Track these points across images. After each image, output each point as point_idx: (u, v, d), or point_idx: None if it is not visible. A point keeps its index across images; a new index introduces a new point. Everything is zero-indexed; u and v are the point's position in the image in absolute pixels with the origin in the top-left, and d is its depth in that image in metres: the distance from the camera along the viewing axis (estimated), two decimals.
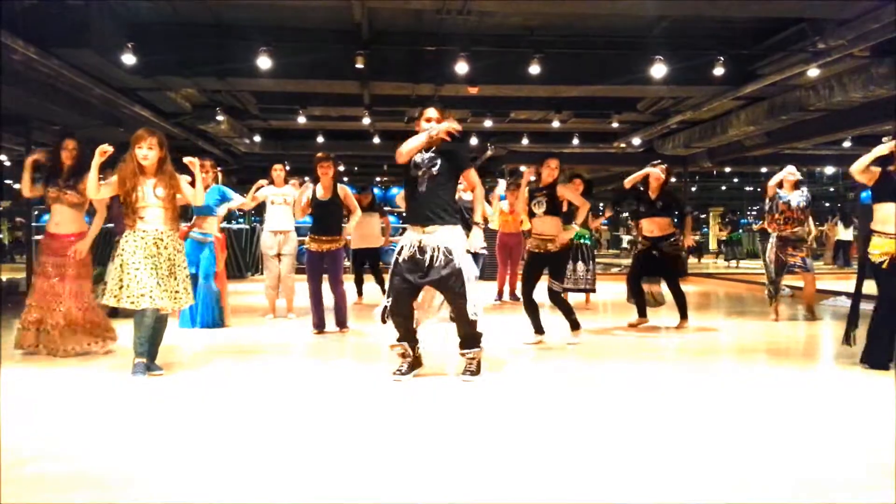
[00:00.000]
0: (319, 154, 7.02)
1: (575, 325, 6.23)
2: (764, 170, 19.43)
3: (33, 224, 12.46)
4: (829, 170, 19.47)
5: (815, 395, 4.42)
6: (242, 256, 15.42)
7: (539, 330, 6.21)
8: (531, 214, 6.22)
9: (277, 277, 7.89)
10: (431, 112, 4.80)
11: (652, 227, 7.10)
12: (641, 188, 7.20)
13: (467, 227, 7.32)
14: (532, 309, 6.18)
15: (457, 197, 5.35)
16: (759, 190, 25.39)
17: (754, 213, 29.74)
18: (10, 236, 23.14)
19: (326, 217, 6.76)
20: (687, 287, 13.46)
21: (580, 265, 8.33)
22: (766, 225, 7.98)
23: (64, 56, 7.87)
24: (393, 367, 4.85)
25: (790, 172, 7.68)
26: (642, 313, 7.33)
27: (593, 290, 8.60)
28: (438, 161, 4.69)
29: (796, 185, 7.70)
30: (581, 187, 7.74)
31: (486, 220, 7.39)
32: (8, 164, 16.05)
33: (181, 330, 6.80)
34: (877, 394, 4.36)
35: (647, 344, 6.53)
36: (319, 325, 6.90)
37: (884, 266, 4.97)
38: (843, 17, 7.41)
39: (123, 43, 7.94)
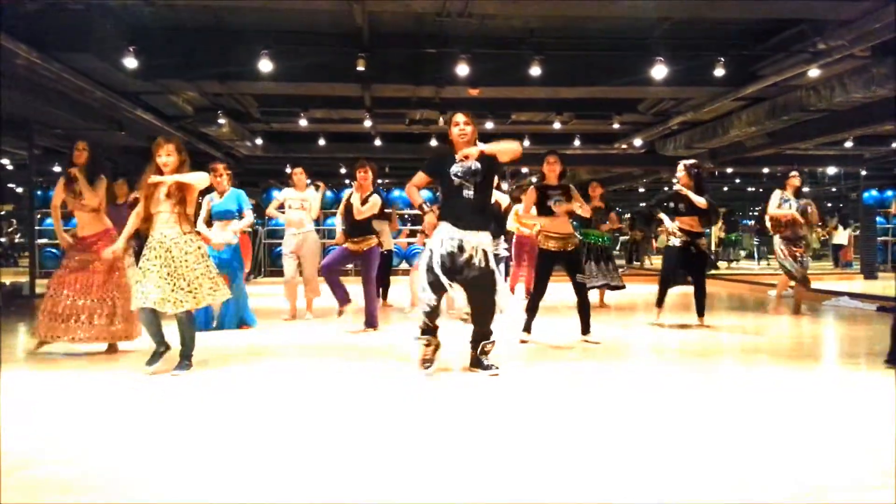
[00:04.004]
0: (361, 160, 7.18)
1: (587, 329, 6.29)
2: (766, 170, 19.39)
3: (36, 227, 12.48)
4: (831, 170, 19.41)
5: (815, 395, 4.41)
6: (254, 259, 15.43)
7: (529, 329, 6.31)
8: (547, 213, 6.21)
9: (294, 278, 7.94)
10: (460, 117, 4.94)
11: (691, 223, 7.20)
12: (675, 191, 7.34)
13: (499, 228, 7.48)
14: (535, 310, 6.27)
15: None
16: (761, 190, 25.36)
17: (756, 213, 29.72)
18: (10, 239, 23.18)
19: (361, 219, 6.97)
20: (688, 288, 13.49)
21: (592, 265, 8.62)
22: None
23: (66, 60, 7.90)
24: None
25: (794, 175, 8.36)
26: (661, 304, 7.48)
27: (622, 286, 9.01)
28: (479, 166, 4.84)
29: (799, 190, 8.36)
30: (598, 190, 8.37)
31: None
32: (10, 167, 16.07)
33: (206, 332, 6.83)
34: (877, 394, 4.36)
35: (648, 344, 6.54)
36: (344, 301, 7.17)
37: None
38: (844, 17, 7.41)
39: (125, 46, 7.96)
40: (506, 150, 4.85)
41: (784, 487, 2.76)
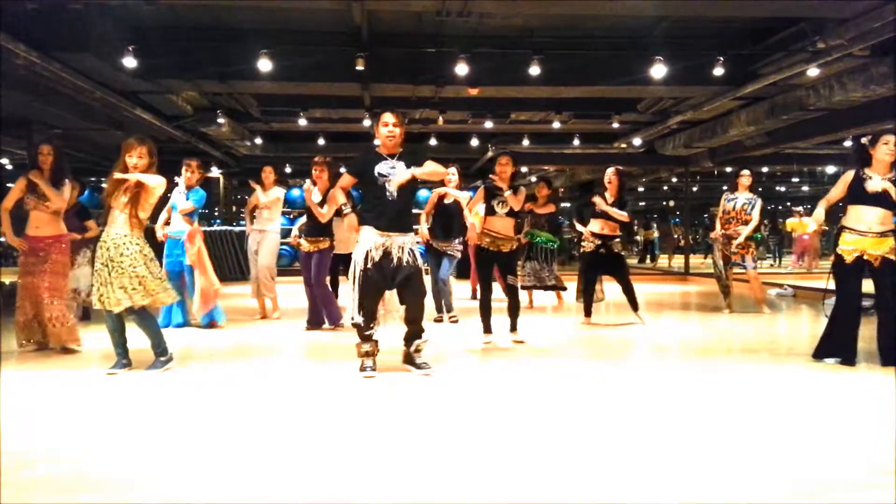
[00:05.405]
0: (317, 157, 7.08)
1: (514, 327, 6.29)
2: (765, 169, 19.38)
3: None
4: (830, 169, 19.40)
5: (813, 394, 4.41)
6: (245, 258, 15.38)
7: (489, 330, 6.27)
8: (490, 212, 6.22)
9: (257, 277, 7.94)
10: (389, 117, 4.92)
11: (604, 226, 7.31)
12: (601, 190, 7.45)
13: (450, 230, 7.46)
14: (489, 309, 6.26)
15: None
16: (759, 189, 25.32)
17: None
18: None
19: (318, 218, 6.89)
20: (689, 287, 13.53)
21: (535, 264, 8.55)
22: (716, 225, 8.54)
23: (65, 60, 7.90)
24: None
25: (744, 174, 8.32)
26: (589, 313, 7.50)
27: (564, 288, 8.85)
28: (405, 167, 4.86)
29: (750, 188, 8.30)
30: (545, 191, 8.38)
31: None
32: (10, 167, 16.06)
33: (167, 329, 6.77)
34: (876, 393, 4.37)
35: (645, 342, 6.54)
36: (311, 322, 7.07)
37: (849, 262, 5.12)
38: (843, 16, 7.42)
39: (124, 46, 7.96)
40: (434, 174, 4.98)
41: (783, 486, 2.76)
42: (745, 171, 8.35)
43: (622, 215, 7.22)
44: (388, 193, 4.82)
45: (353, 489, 2.77)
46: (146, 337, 5.03)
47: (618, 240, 7.39)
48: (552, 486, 2.79)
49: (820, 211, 5.34)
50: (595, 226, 7.34)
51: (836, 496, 2.67)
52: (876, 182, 4.98)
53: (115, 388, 4.58)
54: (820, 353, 5.30)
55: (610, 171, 7.44)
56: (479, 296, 6.39)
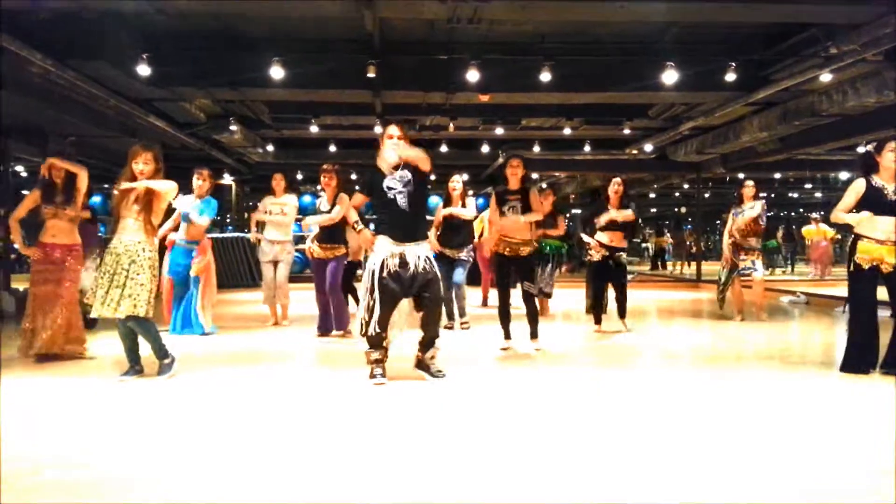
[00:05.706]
0: (325, 165, 7.08)
1: (535, 334, 6.22)
2: (777, 175, 19.27)
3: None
4: (844, 175, 19.27)
5: (815, 400, 4.39)
6: (257, 266, 15.41)
7: (509, 336, 6.25)
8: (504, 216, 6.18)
9: (272, 285, 7.88)
10: (394, 130, 4.96)
11: (612, 238, 7.32)
12: (605, 202, 7.45)
13: (458, 238, 7.45)
14: (508, 315, 6.22)
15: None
16: (773, 195, 25.16)
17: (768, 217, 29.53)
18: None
19: (329, 226, 6.89)
20: (701, 294, 13.46)
21: (538, 270, 8.48)
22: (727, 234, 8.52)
23: (79, 67, 7.98)
24: (365, 373, 4.89)
25: (747, 185, 8.33)
26: (599, 321, 7.51)
27: (549, 295, 8.72)
28: (411, 177, 4.87)
29: (756, 196, 8.30)
30: (550, 198, 8.31)
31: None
32: (25, 174, 16.21)
33: (171, 336, 6.78)
34: (877, 398, 4.34)
35: (652, 349, 6.51)
36: (322, 329, 7.09)
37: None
38: (855, 21, 7.38)
39: (138, 54, 8.04)
40: (418, 158, 4.87)
41: (784, 489, 2.75)
42: (749, 182, 8.36)
43: (628, 215, 7.25)
44: (399, 204, 4.84)
45: (356, 492, 2.77)
46: (145, 342, 5.02)
47: (622, 253, 7.41)
48: (559, 488, 2.79)
49: (850, 215, 5.19)
50: (603, 237, 7.34)
51: (838, 500, 2.66)
52: None
53: (118, 390, 4.61)
54: (847, 367, 5.13)
55: (616, 181, 7.44)
56: (497, 302, 6.34)
